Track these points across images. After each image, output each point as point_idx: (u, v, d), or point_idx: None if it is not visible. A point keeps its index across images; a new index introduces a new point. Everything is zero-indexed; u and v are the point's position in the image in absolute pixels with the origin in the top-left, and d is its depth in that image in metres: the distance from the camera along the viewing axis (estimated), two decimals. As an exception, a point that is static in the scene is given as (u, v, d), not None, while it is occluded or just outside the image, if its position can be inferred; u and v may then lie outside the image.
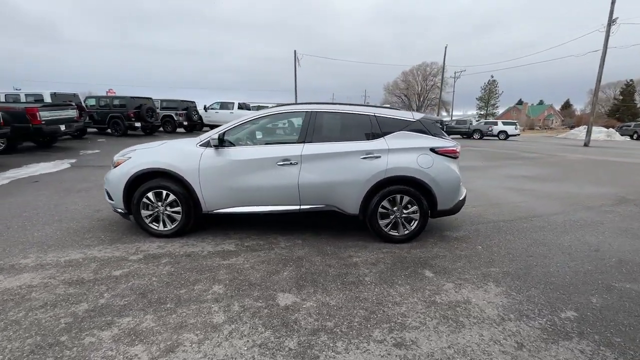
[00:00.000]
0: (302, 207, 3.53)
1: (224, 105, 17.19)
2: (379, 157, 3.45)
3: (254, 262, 3.04)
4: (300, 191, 3.46)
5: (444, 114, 54.36)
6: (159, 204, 3.52)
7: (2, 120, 7.17)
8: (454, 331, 2.10)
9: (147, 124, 13.72)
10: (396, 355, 1.87)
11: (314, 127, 3.56)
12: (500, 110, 62.99)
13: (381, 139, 3.53)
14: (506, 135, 24.26)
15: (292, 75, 29.23)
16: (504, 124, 25.00)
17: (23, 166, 7.26)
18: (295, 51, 27.78)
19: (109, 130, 13.84)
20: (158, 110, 14.60)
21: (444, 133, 3.84)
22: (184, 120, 15.19)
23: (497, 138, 24.38)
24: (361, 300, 2.45)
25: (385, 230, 3.55)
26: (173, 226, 3.56)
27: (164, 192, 3.49)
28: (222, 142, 3.50)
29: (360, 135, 3.59)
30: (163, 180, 3.49)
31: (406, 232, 3.58)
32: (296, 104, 3.94)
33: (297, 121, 3.63)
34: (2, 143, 8.25)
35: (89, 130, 13.87)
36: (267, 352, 1.87)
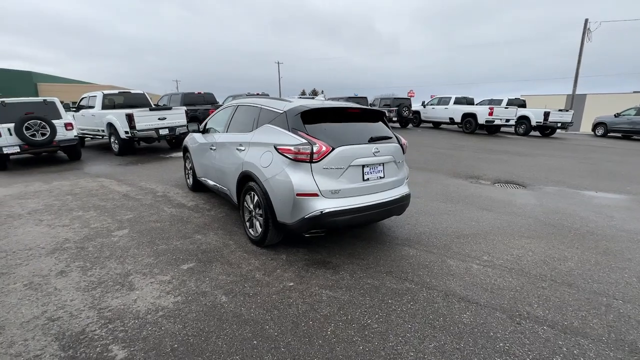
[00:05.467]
0: (221, 186, 4.16)
1: (441, 101, 16.41)
2: (244, 150, 3.38)
3: (175, 215, 4.23)
4: (217, 172, 4.13)
5: None
6: (187, 168, 5.48)
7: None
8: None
9: (402, 118, 16.40)
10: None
11: (231, 119, 4.01)
12: None
13: (252, 132, 3.38)
14: None
15: None
16: None
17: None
18: (586, 20, 19.39)
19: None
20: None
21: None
22: (394, 116, 16.32)
23: None
24: (122, 249, 3.14)
25: (247, 225, 3.44)
26: (191, 183, 5.41)
27: (187, 161, 5.39)
28: (204, 130, 4.82)
29: (252, 128, 3.60)
30: (187, 153, 5.39)
31: (255, 234, 3.27)
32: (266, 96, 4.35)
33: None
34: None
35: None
36: (49, 238, 3.30)
